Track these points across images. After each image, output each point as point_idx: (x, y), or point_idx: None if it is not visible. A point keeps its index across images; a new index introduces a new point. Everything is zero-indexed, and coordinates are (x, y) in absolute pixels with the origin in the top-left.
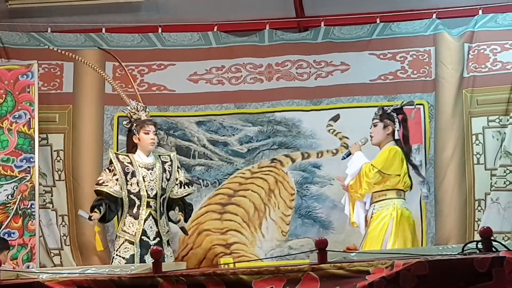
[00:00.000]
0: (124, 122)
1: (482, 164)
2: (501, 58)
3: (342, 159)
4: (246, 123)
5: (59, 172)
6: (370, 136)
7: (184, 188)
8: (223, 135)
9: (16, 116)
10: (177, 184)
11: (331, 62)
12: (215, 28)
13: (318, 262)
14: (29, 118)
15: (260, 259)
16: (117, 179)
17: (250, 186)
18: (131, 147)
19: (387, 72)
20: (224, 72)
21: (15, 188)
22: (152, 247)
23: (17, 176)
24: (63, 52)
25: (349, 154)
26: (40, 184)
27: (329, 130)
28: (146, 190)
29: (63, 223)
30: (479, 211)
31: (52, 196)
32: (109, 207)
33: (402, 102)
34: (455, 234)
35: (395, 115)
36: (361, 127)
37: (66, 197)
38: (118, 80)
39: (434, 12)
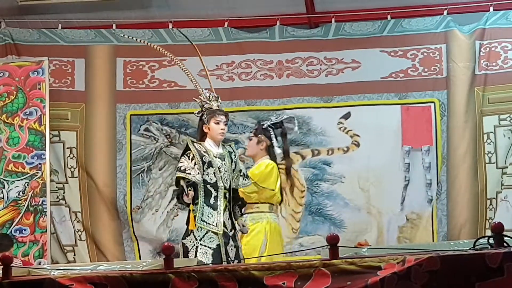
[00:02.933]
0: (196, 112)
1: (494, 163)
2: None
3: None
4: (257, 120)
5: (72, 169)
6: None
7: (245, 179)
8: (234, 133)
9: (27, 113)
10: (241, 176)
11: (342, 59)
12: (226, 24)
13: (330, 257)
14: (40, 115)
15: (271, 255)
16: (198, 167)
17: None
18: (201, 137)
19: (398, 70)
20: (234, 68)
21: (26, 185)
22: (230, 237)
23: (28, 173)
24: (158, 48)
25: None
26: (52, 181)
27: (340, 128)
28: (222, 181)
29: (77, 219)
30: (490, 210)
31: (64, 192)
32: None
33: (282, 117)
34: (466, 232)
35: (272, 131)
36: (372, 125)
37: (79, 194)
38: (129, 76)
39: (445, 8)
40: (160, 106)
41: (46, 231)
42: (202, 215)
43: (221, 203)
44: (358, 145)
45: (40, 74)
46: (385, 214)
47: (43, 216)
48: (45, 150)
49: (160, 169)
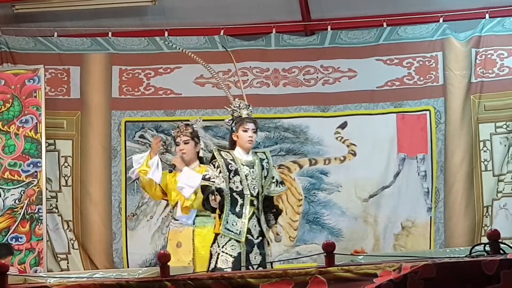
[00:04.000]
0: (226, 120)
1: (490, 170)
2: (508, 63)
3: (169, 172)
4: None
5: (66, 178)
6: (182, 152)
7: (279, 186)
8: None
9: (23, 121)
10: (273, 182)
11: (338, 68)
12: (222, 31)
13: (326, 265)
14: (36, 123)
15: (268, 262)
16: (223, 176)
17: None
18: (232, 145)
19: (393, 78)
20: (230, 76)
21: (22, 193)
22: (255, 244)
23: (24, 181)
24: (191, 55)
25: (174, 167)
26: (46, 189)
27: (337, 138)
28: (249, 189)
29: (69, 228)
30: (486, 217)
31: (57, 201)
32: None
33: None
34: (464, 240)
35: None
36: (368, 134)
37: (72, 203)
38: (125, 84)
39: (441, 16)
40: (156, 113)
41: (42, 239)
42: (227, 223)
43: (247, 211)
44: (354, 154)
45: (36, 82)
46: (380, 222)
47: (39, 224)
48: (41, 158)
49: None
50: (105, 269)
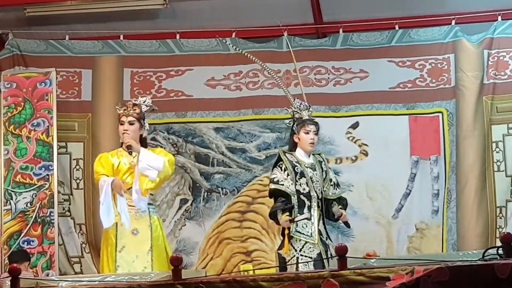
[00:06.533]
0: (287, 121)
1: (503, 171)
2: None
3: (129, 154)
4: (264, 129)
5: (78, 181)
6: (127, 133)
7: (336, 189)
8: (241, 142)
9: (34, 124)
10: (331, 185)
11: (350, 69)
12: (233, 34)
13: (338, 268)
14: (48, 126)
15: (279, 266)
16: (291, 178)
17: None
18: (292, 147)
19: (406, 80)
20: (241, 78)
21: (34, 196)
22: (327, 245)
23: (36, 184)
24: (247, 55)
25: (131, 147)
26: (58, 192)
27: (348, 138)
28: (315, 191)
29: (81, 231)
30: (500, 218)
31: (70, 204)
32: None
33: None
34: (477, 241)
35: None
36: (380, 135)
37: (83, 206)
38: (136, 86)
39: (453, 18)
40: (167, 115)
41: (54, 243)
42: (297, 225)
43: (316, 213)
44: (366, 154)
45: (47, 85)
46: (394, 224)
47: (50, 227)
48: (53, 161)
49: None
50: (117, 273)
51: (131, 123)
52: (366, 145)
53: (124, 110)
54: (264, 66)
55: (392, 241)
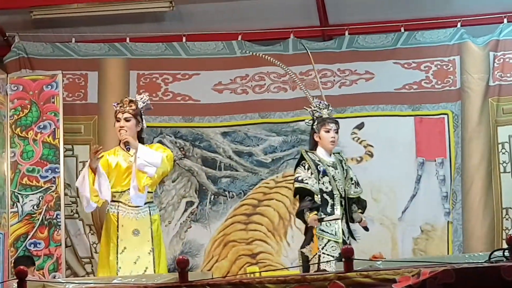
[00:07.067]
0: (307, 120)
1: (509, 172)
2: None
3: (127, 150)
4: (270, 133)
5: None
6: (124, 130)
7: (356, 187)
8: (248, 145)
9: (41, 127)
10: (352, 184)
11: (355, 70)
12: (239, 37)
13: (345, 270)
14: (54, 129)
15: (286, 268)
16: (314, 177)
17: (274, 196)
18: (313, 146)
19: (411, 82)
20: (248, 81)
21: (40, 199)
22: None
23: (42, 187)
24: (272, 60)
25: (128, 144)
26: (65, 194)
27: (353, 138)
28: (338, 189)
29: (91, 231)
30: (506, 219)
31: (77, 206)
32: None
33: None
34: (482, 242)
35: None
36: (385, 136)
37: None
38: (143, 88)
39: (459, 21)
40: (174, 119)
41: (60, 245)
42: (321, 224)
43: (339, 212)
44: (371, 155)
45: (54, 87)
46: (398, 226)
47: (57, 229)
48: (59, 164)
49: (173, 181)
50: (123, 275)
51: (127, 120)
52: (371, 146)
53: (120, 106)
54: (286, 68)
55: (396, 242)
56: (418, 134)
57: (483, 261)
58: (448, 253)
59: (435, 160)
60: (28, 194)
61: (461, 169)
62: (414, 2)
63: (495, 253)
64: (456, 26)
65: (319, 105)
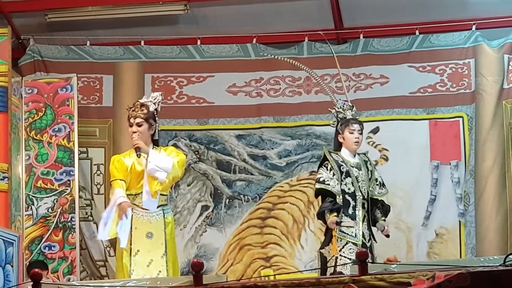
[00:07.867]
0: (331, 121)
1: None
2: None
3: (138, 156)
4: (285, 137)
5: (98, 186)
6: (136, 135)
7: (382, 188)
8: (263, 149)
9: (55, 130)
10: (377, 184)
11: (370, 74)
12: (254, 40)
13: (359, 273)
14: (69, 131)
15: (300, 271)
16: (337, 178)
17: (288, 199)
18: (337, 147)
19: (426, 85)
20: (262, 84)
21: (55, 201)
22: (367, 248)
23: (57, 189)
24: (293, 62)
25: (139, 149)
26: (80, 197)
27: (368, 142)
28: (361, 191)
29: None
30: None
31: (92, 209)
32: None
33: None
34: (496, 245)
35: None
36: (400, 140)
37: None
38: (157, 91)
39: (474, 24)
40: (189, 122)
41: (75, 248)
42: (340, 227)
43: (360, 213)
44: (386, 159)
45: (68, 90)
46: (413, 229)
47: (72, 232)
48: (74, 167)
49: (188, 185)
50: (138, 278)
51: (139, 125)
52: (386, 150)
53: (132, 111)
54: (311, 72)
55: (412, 246)
56: (433, 137)
57: (498, 264)
58: (461, 256)
59: (450, 163)
60: (43, 197)
61: (474, 171)
62: (429, 5)
63: (510, 256)
64: (471, 29)
65: (343, 106)
